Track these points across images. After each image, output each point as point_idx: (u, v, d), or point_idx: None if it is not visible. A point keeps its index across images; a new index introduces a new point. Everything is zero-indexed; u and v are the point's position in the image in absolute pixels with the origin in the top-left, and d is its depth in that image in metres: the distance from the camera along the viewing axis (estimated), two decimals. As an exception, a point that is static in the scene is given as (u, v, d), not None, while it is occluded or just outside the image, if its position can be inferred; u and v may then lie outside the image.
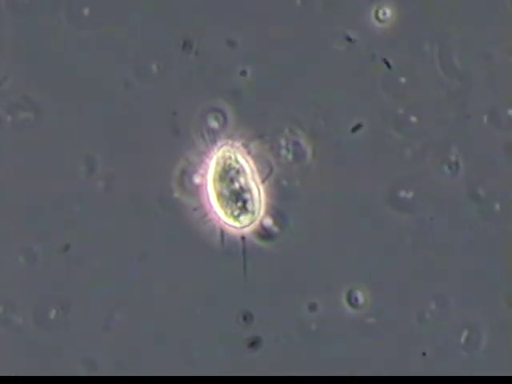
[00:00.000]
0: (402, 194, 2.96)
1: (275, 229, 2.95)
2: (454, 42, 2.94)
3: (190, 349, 2.96)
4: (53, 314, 2.96)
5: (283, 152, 2.93)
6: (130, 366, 2.96)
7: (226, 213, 2.92)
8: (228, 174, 2.92)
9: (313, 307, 2.94)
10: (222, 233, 2.92)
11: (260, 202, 2.93)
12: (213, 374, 2.92)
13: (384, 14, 2.86)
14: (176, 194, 2.94)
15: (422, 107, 2.95)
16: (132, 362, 2.96)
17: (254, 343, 2.95)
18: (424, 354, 2.93)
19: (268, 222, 2.94)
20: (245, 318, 2.95)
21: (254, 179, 2.91)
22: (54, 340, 2.96)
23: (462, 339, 2.97)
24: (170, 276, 2.95)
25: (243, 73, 2.81)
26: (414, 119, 2.95)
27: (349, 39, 2.72)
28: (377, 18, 2.87)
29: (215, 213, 2.92)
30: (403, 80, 2.95)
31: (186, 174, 2.93)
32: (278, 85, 2.96)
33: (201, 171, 2.93)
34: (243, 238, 2.92)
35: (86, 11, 2.96)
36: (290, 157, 2.93)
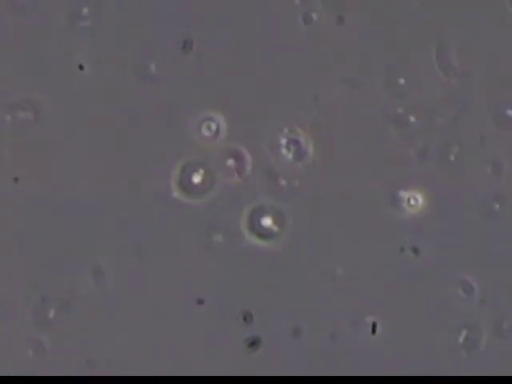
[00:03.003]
0: (402, 193, 2.97)
1: (275, 228, 2.95)
2: (454, 41, 2.96)
3: (190, 349, 2.96)
4: (52, 313, 2.96)
5: (283, 151, 2.94)
6: (129, 365, 2.96)
7: None
8: None
9: None
10: None
11: None
12: (213, 374, 2.92)
13: (416, 200, 2.89)
14: (175, 194, 2.95)
15: (422, 107, 2.96)
16: (131, 361, 2.96)
17: (253, 343, 2.95)
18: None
19: (267, 221, 2.95)
20: (245, 318, 2.95)
21: None
22: (53, 340, 2.96)
23: (461, 339, 2.97)
24: (170, 276, 2.95)
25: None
26: (413, 119, 2.96)
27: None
28: (408, 204, 2.91)
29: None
30: (402, 81, 2.97)
31: (186, 173, 2.94)
32: (278, 84, 2.97)
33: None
34: None
35: (86, 11, 2.96)
36: (290, 156, 2.94)
